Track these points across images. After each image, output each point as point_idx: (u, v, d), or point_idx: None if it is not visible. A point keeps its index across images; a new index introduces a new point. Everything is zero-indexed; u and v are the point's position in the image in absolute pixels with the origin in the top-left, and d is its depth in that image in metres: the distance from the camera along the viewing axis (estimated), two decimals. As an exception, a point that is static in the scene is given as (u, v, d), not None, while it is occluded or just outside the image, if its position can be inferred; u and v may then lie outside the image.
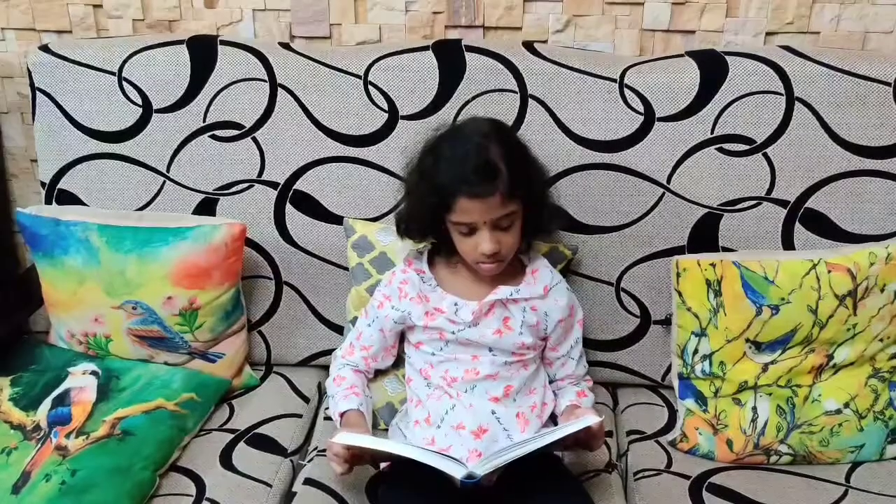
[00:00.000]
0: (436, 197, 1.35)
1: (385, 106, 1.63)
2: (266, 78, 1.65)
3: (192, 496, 1.39)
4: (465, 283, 1.46)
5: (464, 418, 1.39)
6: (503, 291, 1.42)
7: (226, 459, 1.48)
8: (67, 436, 1.43)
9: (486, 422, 1.39)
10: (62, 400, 1.51)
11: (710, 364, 1.50)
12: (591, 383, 1.56)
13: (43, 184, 1.74)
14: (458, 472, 1.20)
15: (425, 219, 1.42)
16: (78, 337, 1.65)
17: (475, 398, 1.42)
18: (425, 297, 1.46)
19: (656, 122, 1.58)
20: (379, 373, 1.57)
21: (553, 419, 1.50)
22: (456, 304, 1.43)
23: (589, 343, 1.67)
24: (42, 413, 1.49)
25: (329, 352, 1.74)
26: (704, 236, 1.61)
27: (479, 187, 1.31)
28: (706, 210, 1.60)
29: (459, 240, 1.39)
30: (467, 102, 1.61)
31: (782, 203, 1.59)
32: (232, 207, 1.69)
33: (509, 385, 1.43)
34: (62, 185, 1.72)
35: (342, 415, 1.46)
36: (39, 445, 1.42)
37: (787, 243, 1.60)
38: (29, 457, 1.40)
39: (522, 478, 1.34)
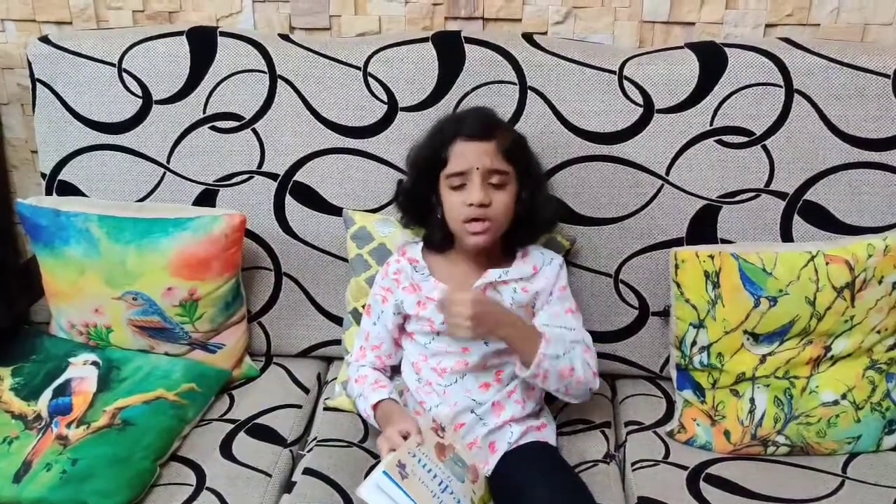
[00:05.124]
0: (434, 150, 1.37)
1: (384, 97, 1.63)
2: (266, 69, 1.65)
3: (192, 485, 1.40)
4: (458, 273, 1.46)
5: (445, 414, 1.41)
6: (493, 274, 1.42)
7: (226, 449, 1.49)
8: (68, 425, 1.44)
9: (464, 419, 1.41)
10: (63, 390, 1.52)
11: (709, 355, 1.51)
12: (589, 353, 1.43)
13: (43, 175, 1.74)
14: None
15: (423, 182, 1.42)
16: (78, 327, 1.65)
17: (460, 391, 1.43)
18: (417, 286, 1.46)
19: (655, 114, 1.59)
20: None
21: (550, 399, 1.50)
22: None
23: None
24: (43, 403, 1.49)
25: (329, 343, 1.74)
26: (703, 228, 1.62)
27: (477, 130, 1.35)
28: (705, 202, 1.61)
29: (451, 199, 1.38)
30: (467, 94, 1.61)
31: (781, 195, 1.59)
32: (232, 199, 1.69)
33: (500, 370, 1.44)
34: (62, 176, 1.72)
35: (375, 406, 1.44)
36: (40, 435, 1.43)
37: (786, 235, 1.60)
38: (30, 446, 1.41)
39: (518, 469, 1.34)
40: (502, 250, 1.48)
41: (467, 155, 1.35)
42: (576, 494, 1.33)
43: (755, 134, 1.58)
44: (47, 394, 1.51)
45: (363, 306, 1.60)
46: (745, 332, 1.48)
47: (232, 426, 1.55)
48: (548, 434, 1.49)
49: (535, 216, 1.45)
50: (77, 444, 1.40)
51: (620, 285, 1.66)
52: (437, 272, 1.47)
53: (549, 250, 1.52)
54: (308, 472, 1.44)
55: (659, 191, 1.61)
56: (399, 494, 1.18)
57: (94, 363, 1.57)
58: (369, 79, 1.63)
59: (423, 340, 1.46)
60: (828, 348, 1.48)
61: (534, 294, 1.45)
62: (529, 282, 1.46)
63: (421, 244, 1.52)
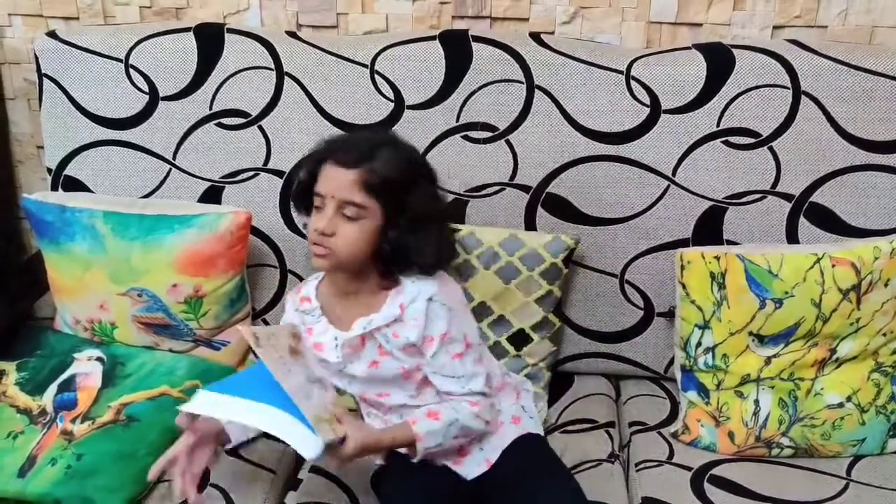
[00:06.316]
0: (312, 164, 1.32)
1: (391, 95, 1.63)
2: (273, 66, 1.65)
3: (203, 489, 1.39)
4: (342, 310, 1.38)
5: None
6: (358, 326, 1.34)
7: (230, 446, 1.49)
8: (73, 421, 1.44)
9: None
10: (68, 385, 1.52)
11: (713, 356, 1.51)
12: (477, 407, 1.35)
13: (49, 170, 1.74)
14: (310, 452, 1.16)
15: (301, 197, 1.36)
16: (83, 323, 1.65)
17: (397, 419, 1.39)
18: (310, 328, 1.39)
19: (662, 115, 1.58)
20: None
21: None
22: (336, 339, 1.36)
23: (593, 335, 1.68)
24: (48, 398, 1.50)
25: (333, 340, 1.74)
26: (709, 229, 1.61)
27: (345, 157, 1.28)
28: (711, 203, 1.60)
29: (312, 216, 1.32)
30: (473, 92, 1.61)
31: (787, 197, 1.59)
32: (237, 195, 1.69)
33: (427, 404, 1.38)
34: (68, 171, 1.73)
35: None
36: (45, 430, 1.43)
37: (792, 237, 1.60)
38: (35, 441, 1.41)
39: (512, 469, 1.35)
40: (382, 278, 1.35)
41: (330, 180, 1.29)
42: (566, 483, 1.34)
43: (762, 135, 1.57)
44: (52, 389, 1.51)
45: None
46: (751, 333, 1.48)
47: (236, 423, 1.55)
48: (527, 425, 1.45)
49: (407, 256, 1.32)
50: (82, 439, 1.41)
51: (626, 285, 1.66)
52: (328, 311, 1.38)
53: (423, 279, 1.33)
54: (314, 470, 1.45)
55: (665, 191, 1.61)
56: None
57: (99, 359, 1.57)
58: (376, 76, 1.63)
59: (338, 384, 1.41)
60: (833, 350, 1.48)
61: (406, 341, 1.33)
62: (400, 323, 1.33)
63: (318, 279, 1.42)
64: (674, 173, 1.60)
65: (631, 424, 1.60)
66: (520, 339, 1.59)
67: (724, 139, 1.58)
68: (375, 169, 1.27)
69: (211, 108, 1.67)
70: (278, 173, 1.68)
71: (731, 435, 1.50)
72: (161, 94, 1.67)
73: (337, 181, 1.28)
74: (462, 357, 1.35)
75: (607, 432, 1.56)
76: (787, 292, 1.44)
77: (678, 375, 1.58)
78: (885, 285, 1.45)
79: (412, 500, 1.33)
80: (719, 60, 1.57)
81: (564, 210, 1.63)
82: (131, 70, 1.67)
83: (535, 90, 1.60)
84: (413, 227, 1.30)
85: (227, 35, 1.66)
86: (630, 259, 1.65)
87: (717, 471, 1.46)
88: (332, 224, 1.28)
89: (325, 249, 1.29)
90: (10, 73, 1.93)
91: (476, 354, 1.37)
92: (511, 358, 1.60)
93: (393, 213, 1.29)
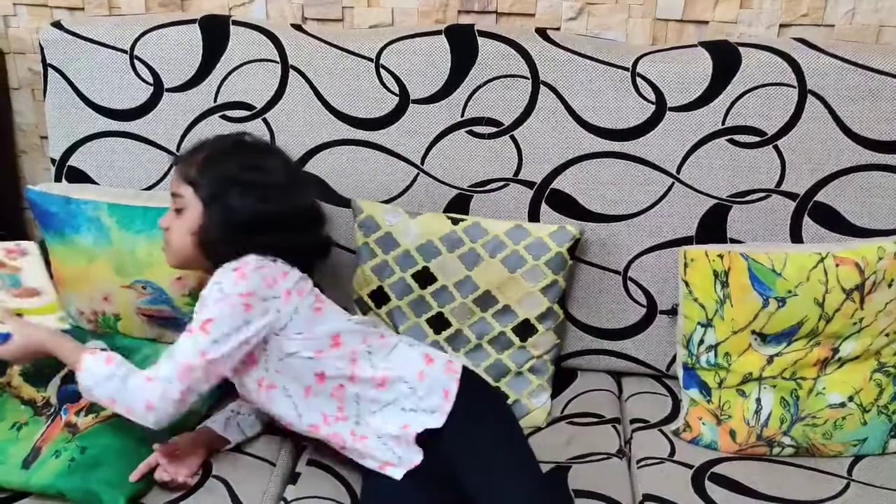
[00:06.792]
0: None
1: (396, 89, 1.63)
2: (278, 59, 1.64)
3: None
4: None
5: None
6: None
7: (232, 439, 1.49)
8: (77, 413, 1.44)
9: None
10: (72, 377, 1.51)
11: (716, 355, 1.51)
12: (150, 384, 1.27)
13: (53, 160, 1.74)
14: None
15: None
16: (87, 315, 1.66)
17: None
18: None
19: (668, 112, 1.58)
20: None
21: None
22: None
23: (595, 331, 1.69)
24: (52, 389, 1.50)
25: (335, 334, 1.75)
26: (713, 227, 1.61)
27: (179, 158, 1.41)
28: (715, 201, 1.60)
29: None
30: (478, 87, 1.61)
31: (791, 196, 1.59)
32: (241, 188, 1.69)
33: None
34: (72, 161, 1.73)
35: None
36: (50, 422, 1.43)
37: (796, 236, 1.60)
38: (39, 432, 1.41)
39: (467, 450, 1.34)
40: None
41: None
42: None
43: (767, 134, 1.57)
44: (56, 380, 1.51)
45: (369, 295, 1.61)
46: (753, 332, 1.48)
47: (238, 416, 1.55)
48: (423, 419, 1.35)
49: (207, 248, 1.35)
50: (86, 432, 1.41)
51: (629, 283, 1.66)
52: None
53: (244, 260, 1.31)
54: (312, 462, 1.45)
55: (669, 189, 1.61)
56: None
57: (103, 350, 1.57)
58: (381, 70, 1.62)
59: None
60: (835, 350, 1.48)
61: None
62: None
63: None
64: (678, 171, 1.60)
65: (632, 421, 1.60)
66: (525, 329, 1.59)
67: (729, 137, 1.58)
68: (192, 162, 1.36)
69: (215, 101, 1.67)
70: (282, 167, 1.67)
71: (732, 433, 1.51)
72: (166, 86, 1.67)
73: (172, 180, 1.39)
74: (190, 335, 1.27)
75: (614, 427, 1.57)
76: (790, 291, 1.44)
77: (680, 373, 1.59)
78: (889, 286, 1.45)
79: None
80: (725, 58, 1.56)
81: (568, 206, 1.63)
82: (136, 61, 1.66)
83: (541, 86, 1.60)
84: (214, 206, 1.33)
85: (232, 27, 1.66)
86: (633, 256, 1.65)
87: (718, 469, 1.47)
88: (165, 220, 1.39)
89: (165, 245, 1.41)
90: (14, 62, 1.92)
91: (202, 347, 1.26)
92: (516, 349, 1.60)
93: (205, 198, 1.34)
